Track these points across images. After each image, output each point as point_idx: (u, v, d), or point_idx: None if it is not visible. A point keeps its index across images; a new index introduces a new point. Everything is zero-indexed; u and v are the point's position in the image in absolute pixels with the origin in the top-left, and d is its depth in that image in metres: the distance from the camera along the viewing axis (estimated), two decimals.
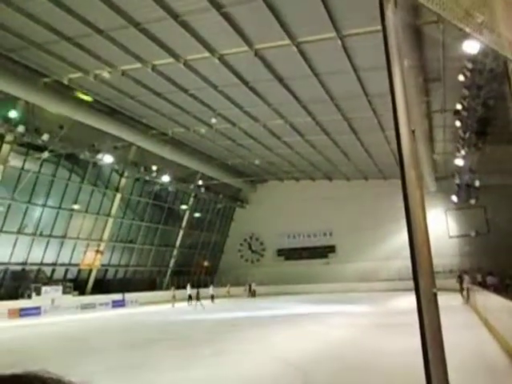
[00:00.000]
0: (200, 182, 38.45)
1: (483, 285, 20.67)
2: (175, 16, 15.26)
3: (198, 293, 30.74)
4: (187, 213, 42.50)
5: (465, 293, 23.28)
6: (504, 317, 10.74)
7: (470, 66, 14.24)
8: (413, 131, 2.39)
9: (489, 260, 30.61)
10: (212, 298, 34.24)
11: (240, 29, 16.03)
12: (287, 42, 16.50)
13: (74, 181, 30.77)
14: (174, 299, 30.67)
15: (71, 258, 31.90)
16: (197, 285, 39.44)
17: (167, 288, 35.25)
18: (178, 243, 42.38)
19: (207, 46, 17.34)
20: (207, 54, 17.79)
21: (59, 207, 30.07)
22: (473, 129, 17.79)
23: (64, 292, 29.96)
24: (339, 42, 16.20)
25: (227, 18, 15.26)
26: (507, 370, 7.95)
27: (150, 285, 39.13)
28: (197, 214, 43.11)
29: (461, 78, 15.27)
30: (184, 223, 42.53)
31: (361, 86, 20.29)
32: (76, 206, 31.05)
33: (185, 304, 30.69)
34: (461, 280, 24.85)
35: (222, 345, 12.54)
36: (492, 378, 7.59)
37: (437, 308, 2.18)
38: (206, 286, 39.42)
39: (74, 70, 19.81)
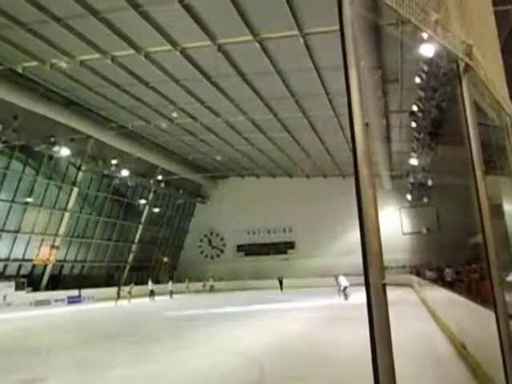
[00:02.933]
0: (160, 177, 37.99)
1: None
2: (136, 6, 14.94)
3: (119, 289, 30.43)
4: (147, 208, 41.91)
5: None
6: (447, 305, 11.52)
7: (425, 68, 14.74)
8: (366, 124, 2.45)
9: (438, 256, 31.88)
10: (171, 293, 34.03)
11: (203, 22, 15.88)
12: (250, 37, 16.51)
13: (29, 174, 29.71)
14: (130, 295, 30.23)
15: (25, 253, 30.81)
16: (156, 280, 39.15)
17: (125, 284, 34.68)
18: (137, 238, 41.73)
19: (169, 39, 17.09)
20: (169, 47, 17.53)
21: (12, 201, 28.93)
22: (427, 130, 18.46)
23: (17, 288, 28.95)
24: (301, 40, 16.36)
25: (190, 10, 15.09)
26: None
27: (108, 280, 38.36)
28: (156, 210, 42.59)
29: (417, 80, 15.79)
30: (143, 218, 41.91)
31: (322, 85, 20.59)
32: (30, 200, 29.99)
33: (143, 300, 30.28)
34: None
35: (181, 340, 12.50)
36: (436, 362, 8.01)
37: (385, 298, 2.30)
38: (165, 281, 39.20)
39: (28, 59, 18.99)
